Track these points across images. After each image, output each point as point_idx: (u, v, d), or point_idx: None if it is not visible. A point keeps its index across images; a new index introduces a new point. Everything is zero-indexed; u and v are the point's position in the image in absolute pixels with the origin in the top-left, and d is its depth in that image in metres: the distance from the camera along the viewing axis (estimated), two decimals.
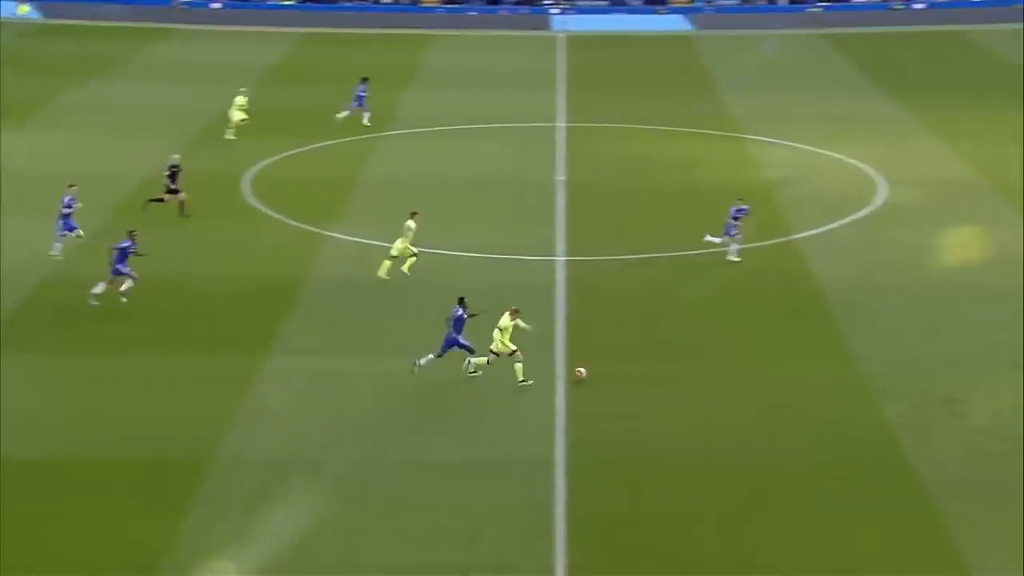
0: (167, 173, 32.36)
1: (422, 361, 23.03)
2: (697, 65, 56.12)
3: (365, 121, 42.51)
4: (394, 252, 28.34)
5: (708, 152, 40.42)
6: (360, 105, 42.60)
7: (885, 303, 27.26)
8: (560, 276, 29.04)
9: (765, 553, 18.10)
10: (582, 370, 23.22)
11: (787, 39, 62.68)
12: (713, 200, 35.02)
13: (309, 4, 68.73)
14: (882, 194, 35.23)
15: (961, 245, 30.83)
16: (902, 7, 66.44)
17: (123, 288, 26.32)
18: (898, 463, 20.42)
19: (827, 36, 63.17)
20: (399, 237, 28.36)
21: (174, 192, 32.23)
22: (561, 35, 64.13)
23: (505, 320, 23.04)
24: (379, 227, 31.27)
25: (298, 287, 27.87)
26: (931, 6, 66.72)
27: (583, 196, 33.08)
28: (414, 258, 28.41)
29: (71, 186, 29.61)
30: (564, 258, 30.11)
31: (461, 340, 23.15)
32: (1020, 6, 65.55)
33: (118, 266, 26.28)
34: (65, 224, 29.09)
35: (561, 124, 44.33)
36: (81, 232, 29.29)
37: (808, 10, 67.02)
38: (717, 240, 29.73)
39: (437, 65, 55.73)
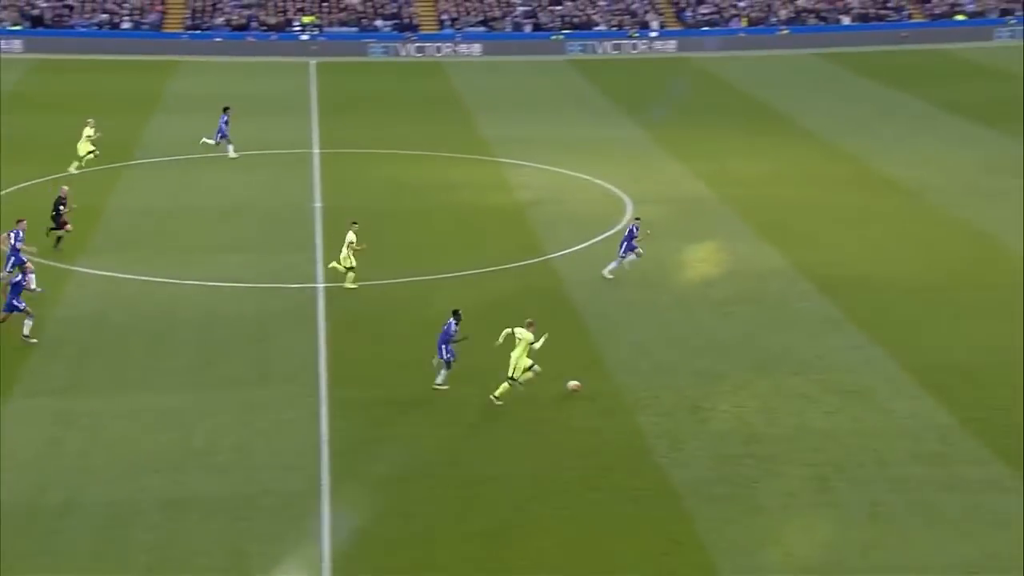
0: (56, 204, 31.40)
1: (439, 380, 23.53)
2: (448, 90, 56.72)
3: (231, 154, 41.34)
4: (346, 263, 29.05)
5: (463, 175, 40.81)
6: (223, 137, 41.26)
7: (636, 317, 28.10)
8: (320, 302, 28.65)
9: (529, 566, 18.28)
10: (575, 383, 23.56)
11: (535, 65, 64.13)
12: (470, 222, 35.40)
13: (41, 30, 65.81)
14: (629, 213, 36.37)
15: (702, 259, 32.16)
16: (638, 35, 69.05)
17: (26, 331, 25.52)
18: (652, 470, 21.03)
19: (572, 62, 65.05)
20: (343, 248, 28.99)
21: (62, 224, 31.42)
22: (313, 61, 63.60)
23: (525, 334, 23.12)
24: (126, 259, 30.02)
25: (42, 326, 26.43)
26: (664, 35, 69.62)
27: (341, 222, 32.58)
28: (351, 272, 29.11)
29: (20, 221, 28.72)
30: (323, 284, 29.74)
31: (444, 353, 23.48)
32: (742, 35, 69.35)
33: (13, 301, 25.49)
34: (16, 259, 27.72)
35: (315, 150, 43.90)
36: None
37: (553, 37, 68.78)
38: (614, 265, 30.02)
39: (183, 92, 54.33)
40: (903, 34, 69.10)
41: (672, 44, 68.95)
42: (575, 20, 70.71)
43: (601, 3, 72.25)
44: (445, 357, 23.74)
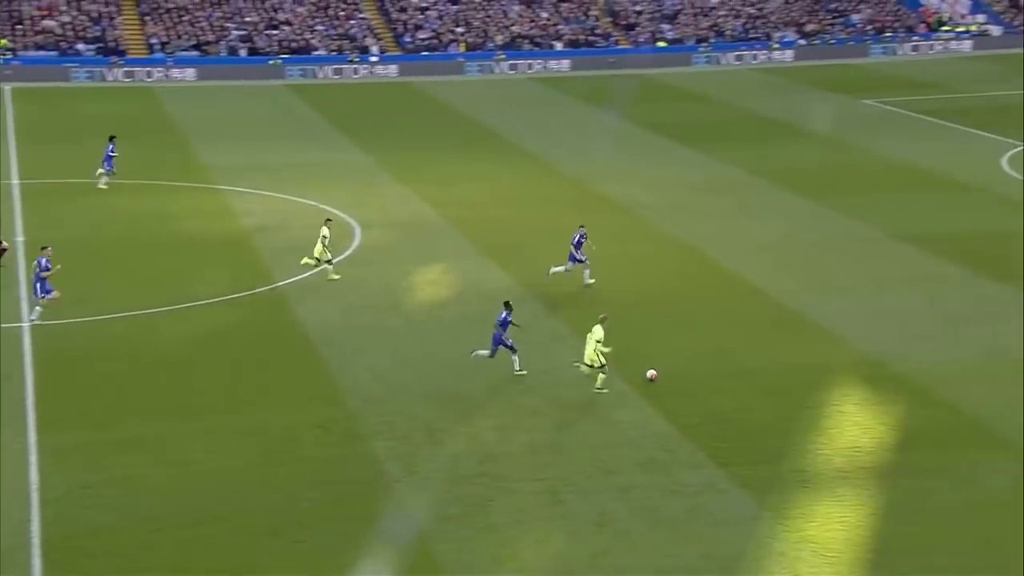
0: None
1: (480, 351, 25.41)
2: (162, 116, 54.81)
3: (102, 184, 39.89)
4: (321, 256, 31.08)
5: (183, 204, 39.41)
6: (109, 165, 39.94)
7: (368, 342, 27.82)
8: (26, 342, 26.93)
9: None
10: (653, 372, 24.92)
11: (254, 90, 62.90)
12: (193, 252, 34.18)
13: None
14: (358, 237, 36.07)
15: (432, 282, 32.24)
16: (359, 60, 68.95)
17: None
18: (388, 496, 20.80)
19: (292, 87, 64.19)
20: (318, 244, 31.01)
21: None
22: (7, 87, 60.17)
23: (598, 331, 24.38)
24: None
25: None
26: (384, 60, 69.82)
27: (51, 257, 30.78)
28: (328, 265, 31.03)
29: (44, 248, 28.78)
30: (30, 323, 27.97)
31: (506, 341, 25.31)
32: (460, 59, 70.44)
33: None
34: (42, 287, 28.08)
35: (15, 181, 41.43)
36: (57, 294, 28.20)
37: (271, 62, 67.69)
38: (562, 269, 30.92)
39: None
40: (611, 59, 71.90)
41: (393, 69, 69.18)
42: (293, 44, 69.85)
43: (319, 28, 71.70)
44: (509, 344, 25.51)
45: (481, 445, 22.66)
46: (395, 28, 73.67)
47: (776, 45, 75.16)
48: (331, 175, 43.85)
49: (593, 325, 24.94)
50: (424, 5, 75.76)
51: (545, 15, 76.45)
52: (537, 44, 73.63)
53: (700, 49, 74.14)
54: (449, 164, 45.95)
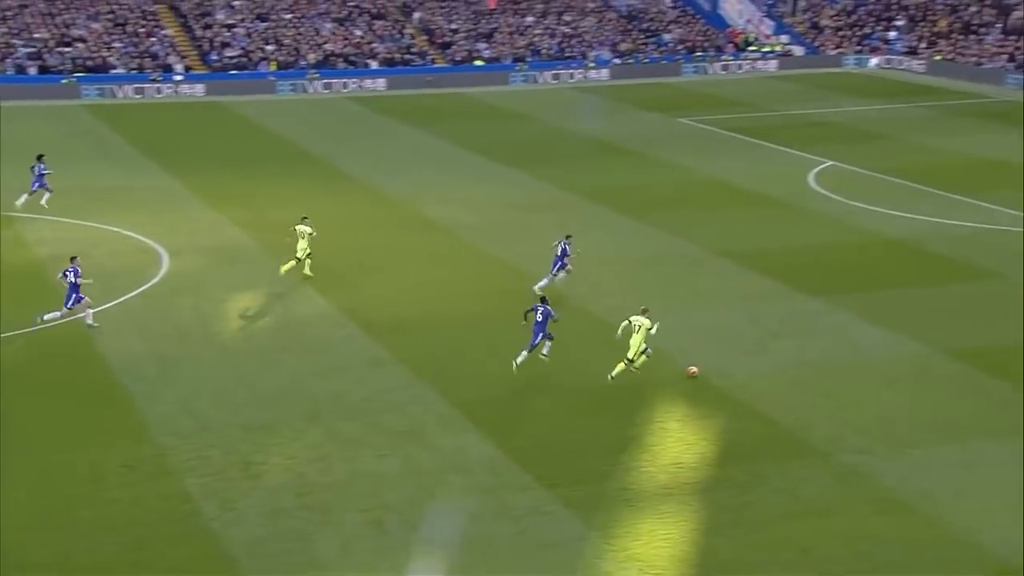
0: None
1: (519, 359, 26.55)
2: None
3: (43, 202, 39.67)
4: (300, 255, 33.22)
5: None
6: (41, 185, 39.85)
7: (177, 373, 27.03)
8: None
9: None
10: (694, 368, 26.36)
11: (46, 110, 60.62)
12: None
13: None
14: (165, 265, 35.07)
15: (246, 308, 31.58)
16: (162, 79, 67.36)
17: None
18: (201, 535, 20.17)
19: (89, 107, 62.14)
20: (299, 240, 33.21)
21: None
22: None
23: (645, 320, 25.95)
24: None
25: None
26: (189, 78, 68.37)
27: None
28: (294, 262, 33.21)
29: (73, 259, 29.83)
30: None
31: (544, 335, 26.74)
32: (272, 78, 69.58)
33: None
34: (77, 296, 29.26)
35: None
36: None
37: (64, 81, 65.42)
38: (545, 281, 31.90)
39: None
40: (428, 78, 72.13)
41: (200, 88, 67.77)
42: (89, 63, 67.67)
43: (117, 45, 69.68)
44: (546, 333, 26.87)
45: (300, 477, 22.25)
46: (200, 45, 72.21)
47: (591, 64, 76.73)
48: (135, 200, 42.55)
49: (631, 315, 26.65)
50: (231, 22, 74.56)
51: (359, 33, 76.22)
52: (352, 63, 73.30)
53: (517, 68, 75.09)
54: (263, 187, 45.22)
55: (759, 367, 27.75)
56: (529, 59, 76.59)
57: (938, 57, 76.88)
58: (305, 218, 34.35)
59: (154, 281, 33.51)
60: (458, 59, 75.97)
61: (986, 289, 33.20)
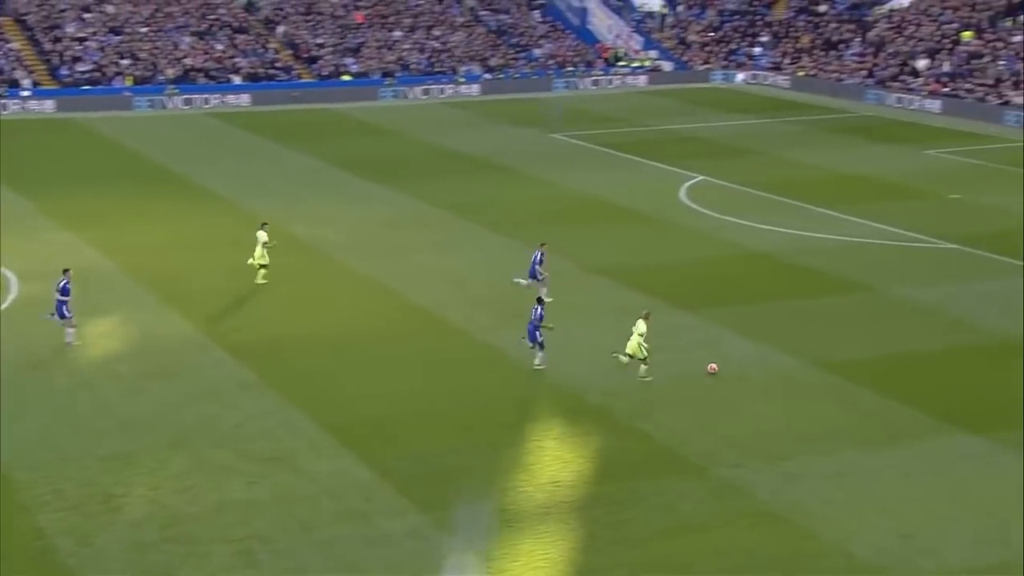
0: None
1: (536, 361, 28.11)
2: None
3: None
4: (259, 261, 34.35)
5: None
6: None
7: (31, 403, 26.13)
8: None
9: None
10: (714, 366, 27.94)
11: None
12: None
13: None
14: (15, 290, 33.93)
15: (106, 334, 30.72)
16: (8, 94, 65.39)
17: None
18: (59, 572, 19.50)
19: None
20: (258, 247, 34.34)
21: None
22: None
23: (641, 326, 27.51)
24: None
25: None
26: (38, 94, 66.56)
27: None
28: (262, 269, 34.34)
29: (66, 271, 29.95)
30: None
31: (537, 336, 27.92)
32: (128, 94, 68.08)
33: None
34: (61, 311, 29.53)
35: None
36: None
37: None
38: (523, 282, 33.28)
39: None
40: (294, 94, 71.41)
41: (49, 104, 65.96)
42: None
43: None
44: (539, 340, 27.97)
45: (165, 508, 21.67)
46: (49, 60, 70.32)
47: (462, 79, 76.92)
48: None
49: (636, 320, 27.99)
50: (82, 35, 72.76)
51: (220, 47, 75.08)
52: (213, 78, 72.14)
53: (386, 83, 74.86)
54: (121, 207, 44.12)
55: (634, 384, 28.01)
56: (398, 74, 76.43)
57: (801, 73, 79.04)
58: (265, 224, 35.51)
59: (2, 307, 32.40)
60: (325, 74, 75.39)
61: (854, 301, 34.11)
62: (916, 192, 47.47)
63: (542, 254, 33.54)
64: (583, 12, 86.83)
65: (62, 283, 29.70)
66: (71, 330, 29.75)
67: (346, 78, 75.41)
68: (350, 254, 38.61)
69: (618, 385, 27.84)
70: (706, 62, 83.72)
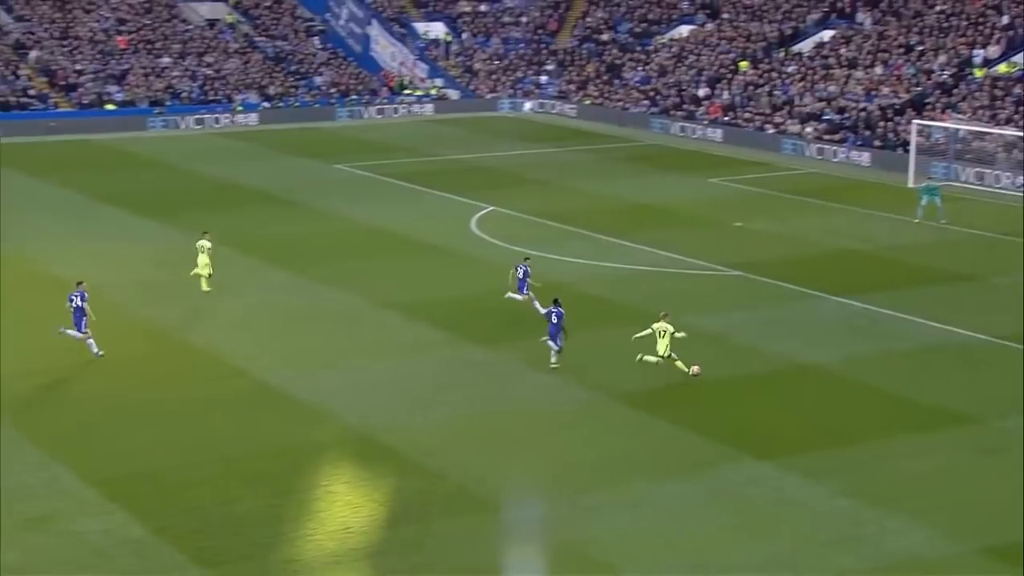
0: None
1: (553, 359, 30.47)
2: None
3: None
4: (204, 271, 36.43)
5: None
6: None
7: None
8: None
9: None
10: (697, 368, 29.32)
11: None
12: None
13: None
14: None
15: None
16: None
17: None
18: None
19: None
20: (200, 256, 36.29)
21: None
22: None
23: (666, 325, 29.46)
24: None
25: None
26: None
27: None
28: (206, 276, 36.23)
29: (80, 283, 31.60)
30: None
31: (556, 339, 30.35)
32: None
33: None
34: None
35: None
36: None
37: None
38: (519, 297, 35.13)
39: None
40: (52, 123, 68.80)
41: None
42: None
43: None
44: (559, 340, 30.61)
45: None
46: None
47: (239, 108, 75.71)
48: None
49: (653, 323, 29.91)
50: None
51: None
52: None
53: (155, 112, 73.02)
54: None
55: (428, 422, 27.90)
56: (168, 103, 74.64)
57: (587, 101, 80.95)
58: (205, 232, 36.74)
59: None
60: (86, 103, 72.95)
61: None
62: (701, 220, 49.06)
63: (526, 268, 35.68)
64: (365, 39, 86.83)
65: (76, 294, 31.49)
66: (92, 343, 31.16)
67: (110, 107, 73.17)
68: (120, 295, 37.30)
69: (410, 424, 27.66)
70: (493, 90, 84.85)
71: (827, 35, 75.30)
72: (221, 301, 37.00)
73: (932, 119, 60.98)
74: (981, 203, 52.93)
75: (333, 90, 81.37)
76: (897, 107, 64.61)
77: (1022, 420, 27.83)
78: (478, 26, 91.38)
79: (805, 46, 75.63)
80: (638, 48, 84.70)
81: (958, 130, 58.42)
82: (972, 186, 55.74)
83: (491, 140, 70.59)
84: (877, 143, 62.52)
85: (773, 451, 26.19)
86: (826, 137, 65.10)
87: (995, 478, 25.06)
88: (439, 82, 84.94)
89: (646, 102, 77.20)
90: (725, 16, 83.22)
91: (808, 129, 66.34)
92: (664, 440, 27.03)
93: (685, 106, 74.85)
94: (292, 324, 35.02)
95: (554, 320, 30.92)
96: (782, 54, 75.43)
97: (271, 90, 79.24)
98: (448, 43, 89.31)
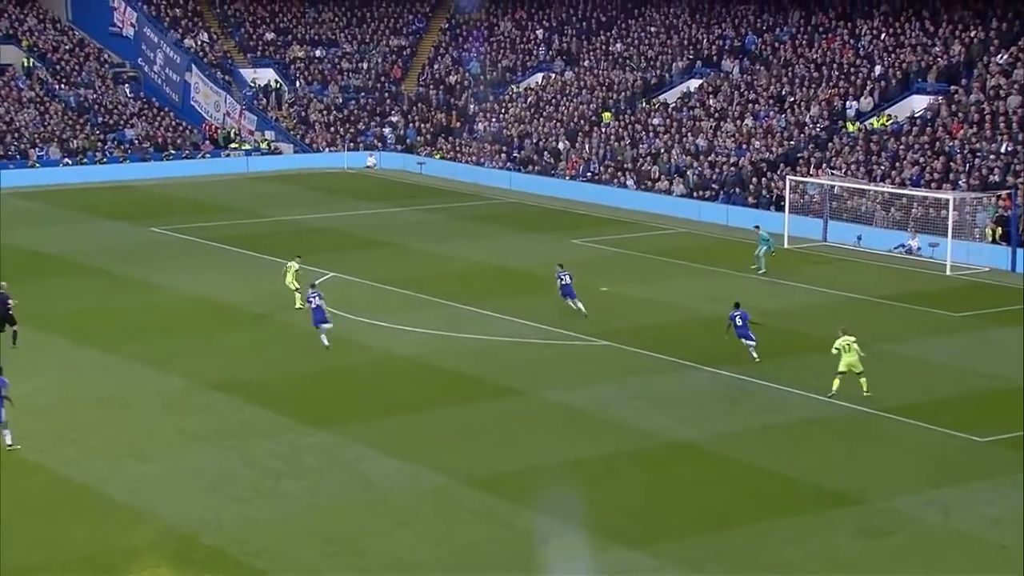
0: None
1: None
2: None
3: None
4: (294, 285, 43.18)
5: None
6: None
7: None
8: None
9: None
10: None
11: None
12: None
13: None
14: None
15: None
16: None
17: None
18: None
19: None
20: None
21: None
22: None
23: (847, 339, 34.36)
24: None
25: None
26: None
27: None
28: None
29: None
30: None
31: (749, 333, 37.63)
32: None
33: None
34: None
35: None
36: None
37: None
38: (580, 306, 41.63)
39: None
40: None
41: None
42: None
43: None
44: (750, 336, 38.28)
45: None
46: None
47: (36, 164, 74.32)
48: None
49: (838, 340, 34.60)
50: None
51: None
52: None
53: None
54: None
55: (260, 516, 27.54)
56: None
57: (438, 156, 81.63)
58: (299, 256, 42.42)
59: None
60: None
61: (505, 407, 35.10)
62: None
63: (565, 274, 43.72)
64: (184, 87, 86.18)
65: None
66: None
67: None
68: None
69: (239, 519, 27.26)
70: (331, 144, 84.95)
71: (694, 84, 77.36)
72: (17, 385, 35.98)
73: (806, 175, 62.94)
74: (860, 264, 54.74)
75: (147, 144, 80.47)
76: (770, 162, 66.54)
77: (906, 499, 28.67)
78: (313, 73, 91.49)
79: (671, 96, 77.57)
80: (491, 97, 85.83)
81: (833, 187, 60.35)
82: (849, 246, 57.62)
83: (329, 199, 70.54)
84: (751, 200, 64.19)
85: (646, 539, 26.49)
86: (696, 194, 66.62)
87: (880, 562, 25.76)
88: (270, 135, 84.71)
89: (501, 156, 78.16)
90: (585, 64, 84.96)
91: (676, 186, 67.88)
92: (525, 531, 27.11)
93: (544, 160, 75.98)
94: (100, 410, 34.27)
95: (739, 324, 38.60)
96: (646, 105, 77.24)
97: (74, 144, 77.98)
98: (278, 91, 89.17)
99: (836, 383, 34.87)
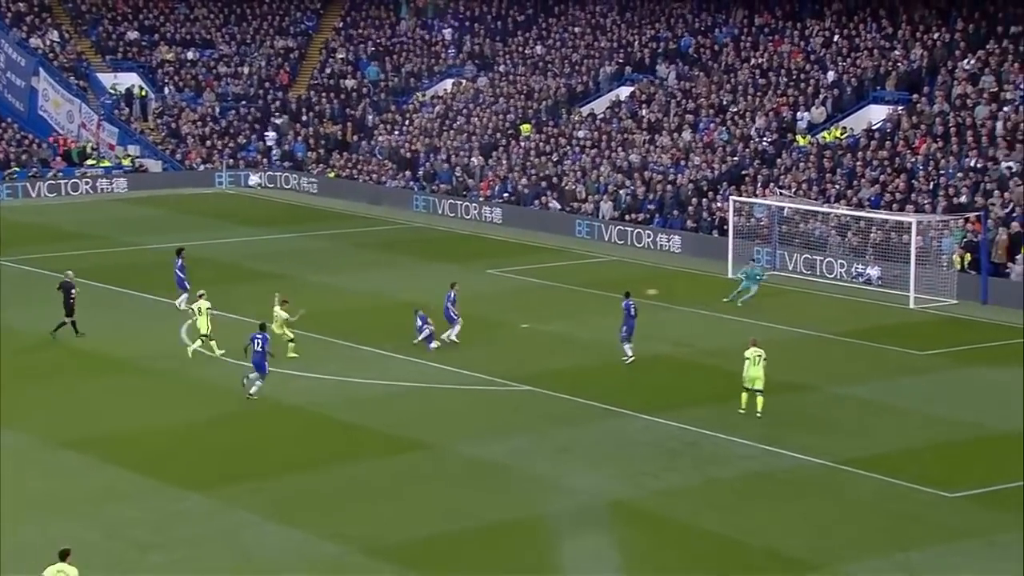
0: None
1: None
2: None
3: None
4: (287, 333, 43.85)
5: None
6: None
7: None
8: None
9: None
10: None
11: None
12: None
13: None
14: None
15: None
16: None
17: None
18: None
19: None
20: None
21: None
22: None
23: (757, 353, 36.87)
24: None
25: None
26: None
27: None
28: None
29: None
30: None
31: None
32: None
33: None
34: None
35: None
36: None
37: None
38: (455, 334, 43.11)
39: None
40: None
41: None
42: None
43: None
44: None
45: None
46: None
47: None
48: None
49: (748, 350, 37.19)
50: None
51: None
52: None
53: None
54: None
55: None
56: None
57: (332, 174, 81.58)
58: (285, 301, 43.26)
59: None
60: None
61: (410, 463, 35.05)
62: (479, 322, 49.70)
63: (454, 294, 45.10)
64: (30, 94, 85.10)
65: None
66: None
67: None
68: None
69: None
70: (207, 160, 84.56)
71: (624, 92, 78.02)
72: None
73: (752, 195, 63.47)
74: (813, 296, 55.35)
75: None
76: (711, 180, 67.13)
77: (868, 563, 29.04)
78: (185, 78, 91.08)
79: (598, 105, 78.20)
80: (393, 107, 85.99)
81: (783, 208, 60.83)
82: (801, 276, 58.06)
83: (205, 224, 70.13)
84: (690, 224, 64.63)
85: None
86: (628, 217, 66.96)
87: None
88: (134, 150, 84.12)
89: (405, 174, 78.24)
90: (500, 69, 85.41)
91: (606, 207, 68.23)
92: None
93: (455, 179, 76.16)
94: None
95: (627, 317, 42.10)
96: (571, 115, 77.77)
97: None
98: (144, 99, 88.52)
99: (744, 397, 37.38)
